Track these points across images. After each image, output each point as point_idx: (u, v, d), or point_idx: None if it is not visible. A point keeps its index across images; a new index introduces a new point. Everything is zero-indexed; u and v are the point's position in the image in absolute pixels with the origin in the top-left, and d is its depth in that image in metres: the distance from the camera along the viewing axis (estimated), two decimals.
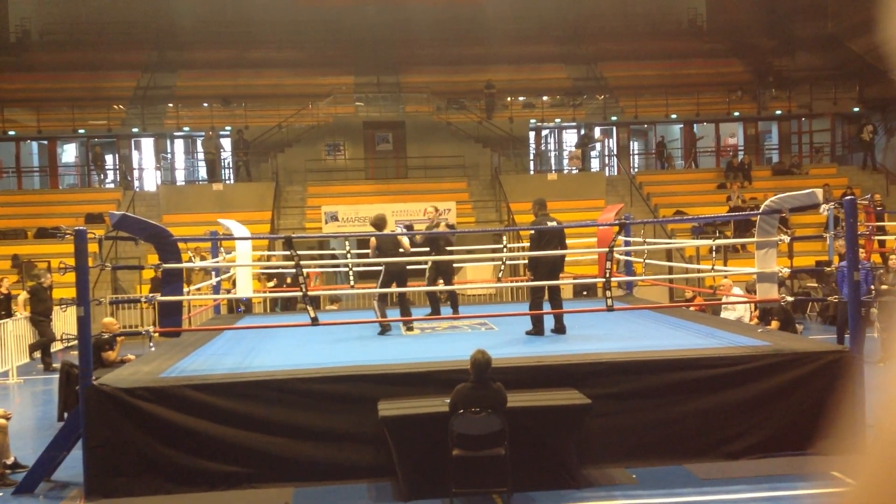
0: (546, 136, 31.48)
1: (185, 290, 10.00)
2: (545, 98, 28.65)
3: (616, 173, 27.77)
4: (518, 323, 10.09)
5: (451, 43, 30.87)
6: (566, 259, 10.72)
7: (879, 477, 0.85)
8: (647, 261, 12.67)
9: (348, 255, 13.00)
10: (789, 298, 9.93)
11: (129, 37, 30.81)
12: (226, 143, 27.14)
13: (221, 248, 12.98)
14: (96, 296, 9.46)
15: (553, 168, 29.45)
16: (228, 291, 13.20)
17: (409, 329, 10.63)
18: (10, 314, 15.36)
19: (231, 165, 27.00)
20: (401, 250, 10.46)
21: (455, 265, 16.15)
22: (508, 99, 28.30)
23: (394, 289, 10.39)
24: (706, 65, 30.44)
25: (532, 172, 27.36)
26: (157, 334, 8.58)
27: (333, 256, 19.81)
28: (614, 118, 28.49)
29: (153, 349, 9.78)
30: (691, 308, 13.22)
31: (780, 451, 7.77)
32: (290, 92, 27.61)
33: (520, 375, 7.71)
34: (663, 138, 29.73)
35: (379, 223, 10.59)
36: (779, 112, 28.44)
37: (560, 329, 9.80)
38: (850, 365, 7.86)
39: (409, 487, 7.09)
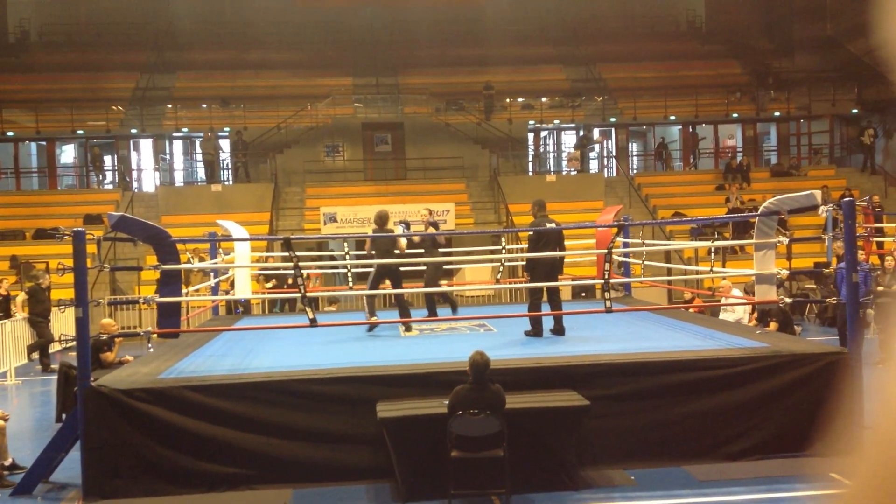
0: (545, 137, 31.49)
1: (184, 291, 9.99)
2: (544, 99, 28.65)
3: (615, 174, 27.79)
4: (517, 324, 10.09)
5: (450, 44, 30.88)
6: (565, 260, 10.72)
7: (877, 478, 0.85)
8: (645, 262, 12.67)
9: (347, 257, 13.01)
10: (788, 300, 9.94)
11: (127, 38, 30.80)
12: (224, 144, 27.14)
13: (220, 250, 12.98)
14: (95, 297, 9.46)
15: (552, 169, 29.46)
16: (227, 292, 13.19)
17: (408, 330, 10.63)
18: (8, 315, 15.35)
19: (230, 166, 26.99)
20: (396, 251, 10.47)
21: (454, 266, 16.19)
22: (507, 100, 28.30)
23: (384, 290, 10.41)
24: (705, 66, 30.46)
25: (531, 174, 27.37)
26: (155, 335, 8.58)
27: (332, 258, 19.80)
28: (613, 119, 28.50)
29: (151, 350, 9.77)
30: (690, 309, 13.24)
31: (779, 452, 7.77)
32: (289, 93, 27.61)
33: (518, 377, 7.71)
34: (663, 139, 29.75)
35: (379, 219, 10.61)
36: (777, 114, 28.46)
37: (559, 330, 9.79)
38: (848, 366, 7.87)
39: (408, 489, 7.09)
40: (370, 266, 10.90)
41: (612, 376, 7.88)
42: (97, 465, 7.39)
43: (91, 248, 9.09)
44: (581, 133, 28.25)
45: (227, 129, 26.97)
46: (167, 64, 29.92)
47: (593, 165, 29.52)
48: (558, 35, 32.10)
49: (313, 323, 8.41)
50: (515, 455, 6.94)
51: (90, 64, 28.71)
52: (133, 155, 28.89)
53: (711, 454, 7.80)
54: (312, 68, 29.62)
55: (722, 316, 12.96)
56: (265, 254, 17.73)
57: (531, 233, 9.90)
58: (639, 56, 30.38)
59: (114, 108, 27.23)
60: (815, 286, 18.24)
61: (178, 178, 29.64)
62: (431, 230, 11.86)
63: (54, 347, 15.83)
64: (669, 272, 14.87)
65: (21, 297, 15.83)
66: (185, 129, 27.92)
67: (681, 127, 30.03)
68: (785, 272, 9.49)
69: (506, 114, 27.74)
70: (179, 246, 9.33)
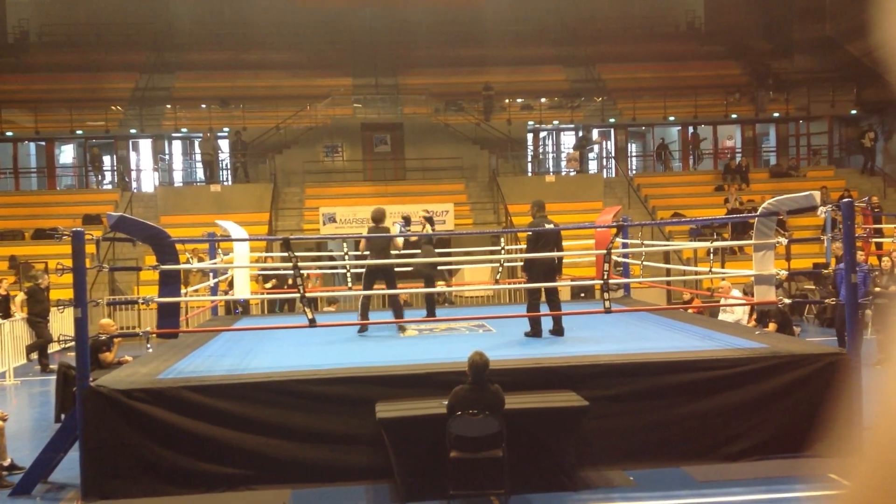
0: (544, 137, 31.50)
1: (183, 291, 9.99)
2: (543, 100, 28.66)
3: (614, 175, 27.79)
4: (516, 324, 10.09)
5: (450, 45, 30.89)
6: (563, 261, 10.72)
7: (876, 479, 0.85)
8: (644, 263, 12.68)
9: (346, 257, 13.00)
10: (787, 300, 9.94)
11: (127, 38, 30.79)
12: (224, 145, 27.13)
13: (219, 250, 12.98)
14: (94, 297, 9.46)
15: (551, 170, 29.45)
16: (225, 293, 13.19)
17: (403, 330, 10.62)
18: (8, 315, 15.34)
19: (229, 167, 26.98)
20: (392, 251, 10.50)
21: (453, 267, 16.19)
22: (506, 101, 28.30)
23: (379, 291, 10.42)
24: (704, 67, 30.47)
25: (530, 174, 27.37)
26: (154, 335, 8.58)
27: (331, 258, 19.80)
28: (612, 120, 28.51)
29: (150, 350, 9.77)
30: (689, 310, 13.24)
31: (778, 453, 7.77)
32: (288, 93, 27.60)
33: (517, 377, 7.71)
34: (663, 140, 29.75)
35: (376, 217, 10.62)
36: (776, 114, 28.48)
37: (558, 331, 9.80)
38: (847, 367, 7.87)
39: (407, 489, 7.09)
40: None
41: (612, 377, 7.89)
42: (96, 465, 7.38)
43: (90, 249, 9.08)
44: (580, 134, 28.26)
45: (226, 129, 26.97)
46: (166, 64, 29.91)
47: (592, 166, 29.53)
48: (558, 36, 32.12)
49: (312, 323, 8.41)
50: (514, 455, 6.94)
51: (89, 64, 28.70)
52: (132, 155, 28.88)
53: (710, 455, 7.80)
54: (312, 69, 29.62)
55: (721, 317, 12.97)
56: (264, 254, 17.72)
57: (530, 233, 9.91)
58: (638, 57, 30.39)
59: (113, 108, 27.22)
60: (814, 287, 18.25)
61: (178, 178, 29.63)
62: (427, 226, 11.86)
63: (53, 348, 15.83)
64: (668, 273, 14.87)
65: (20, 297, 15.82)
66: (184, 130, 27.91)
67: (680, 128, 30.05)
68: (784, 273, 9.50)
69: (505, 114, 27.75)
70: (178, 246, 9.32)
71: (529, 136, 29.09)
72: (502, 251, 13.72)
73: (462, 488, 6.93)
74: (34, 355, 15.24)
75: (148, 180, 29.09)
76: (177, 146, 29.90)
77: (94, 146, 27.62)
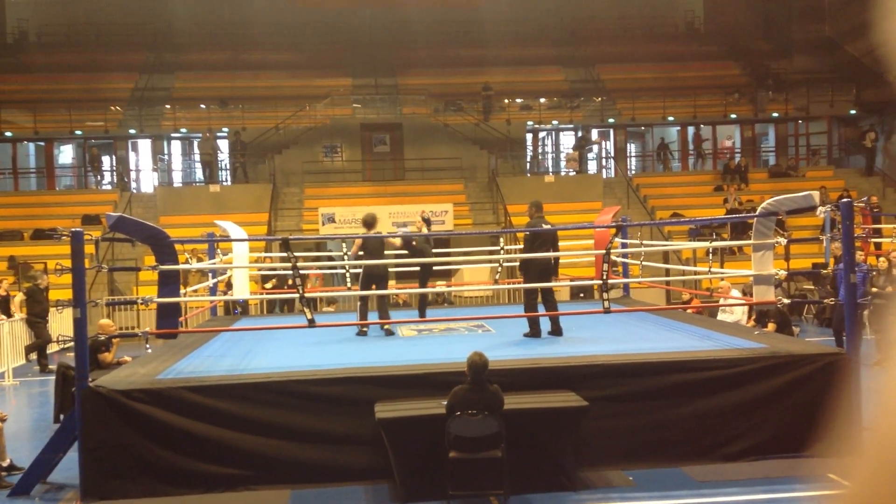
0: (543, 138, 31.50)
1: (182, 291, 9.99)
2: (542, 100, 28.66)
3: (613, 175, 27.80)
4: (515, 325, 10.09)
5: (449, 45, 30.89)
6: (562, 261, 10.73)
7: (875, 479, 0.85)
8: (644, 263, 12.68)
9: (345, 257, 13.01)
10: (786, 300, 9.94)
11: (126, 38, 30.78)
12: (223, 145, 27.13)
13: (218, 250, 12.97)
14: (93, 297, 9.45)
15: (550, 170, 29.47)
16: (224, 293, 13.19)
17: (389, 333, 10.59)
18: (9, 316, 15.34)
19: (228, 167, 26.98)
20: (389, 251, 10.53)
21: (453, 267, 16.20)
22: (506, 101, 28.30)
23: (378, 291, 10.42)
24: (703, 67, 30.48)
25: (529, 174, 27.37)
26: (153, 336, 8.57)
27: (331, 258, 19.80)
28: (611, 120, 28.51)
29: (150, 351, 9.76)
30: (688, 310, 13.24)
31: (777, 453, 7.77)
32: (288, 93, 27.60)
33: (517, 377, 7.71)
34: (663, 140, 29.75)
35: (368, 222, 10.64)
36: (776, 114, 28.49)
37: (556, 331, 9.80)
38: (846, 367, 7.88)
39: (406, 489, 7.09)
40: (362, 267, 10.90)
41: (611, 377, 7.89)
42: (95, 465, 7.38)
43: (89, 249, 9.07)
44: (579, 134, 28.27)
45: (225, 129, 26.96)
46: (166, 64, 29.91)
47: (592, 166, 29.53)
48: (557, 36, 32.12)
49: (311, 323, 8.41)
50: (514, 456, 6.94)
51: (88, 64, 28.70)
52: (131, 155, 28.88)
53: (710, 455, 7.80)
54: (311, 69, 29.62)
55: (720, 317, 12.97)
56: (263, 254, 17.71)
57: (527, 233, 9.92)
58: (637, 57, 30.40)
59: (112, 108, 27.22)
60: (813, 287, 18.26)
61: (177, 178, 29.62)
62: (424, 227, 11.88)
63: (52, 348, 15.82)
64: (668, 273, 14.88)
65: (19, 297, 15.82)
66: (183, 130, 27.91)
67: (679, 128, 30.06)
68: (783, 273, 9.50)
69: (504, 114, 27.75)
70: (178, 246, 9.32)
71: (529, 137, 29.09)
72: (501, 251, 13.72)
73: (461, 488, 6.93)
74: (33, 356, 15.23)
75: (147, 180, 29.10)
76: (176, 146, 29.89)
77: (94, 146, 27.62)
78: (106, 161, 28.56)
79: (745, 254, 17.86)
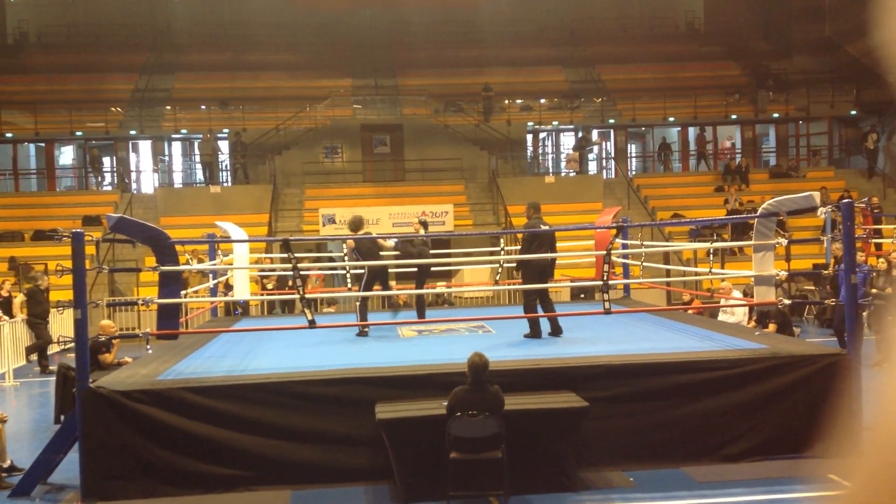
0: (543, 138, 31.51)
1: (183, 292, 9.99)
2: (543, 101, 28.67)
3: (613, 176, 27.80)
4: (515, 325, 10.09)
5: (449, 46, 30.89)
6: (562, 262, 10.74)
7: (875, 479, 0.85)
8: (644, 263, 12.68)
9: (345, 258, 13.01)
10: (787, 301, 9.94)
11: (126, 39, 30.80)
12: (223, 146, 27.13)
13: (219, 251, 12.97)
14: (93, 298, 9.45)
15: (550, 171, 29.47)
16: (224, 294, 13.19)
17: (362, 335, 10.58)
18: (10, 317, 15.34)
19: (228, 168, 26.99)
20: (381, 252, 10.56)
21: (453, 268, 16.19)
22: (506, 101, 28.31)
23: (375, 292, 10.45)
24: (703, 68, 30.49)
25: (529, 175, 27.37)
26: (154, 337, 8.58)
27: (331, 259, 19.80)
28: (612, 121, 28.52)
29: (150, 352, 9.76)
30: (689, 311, 13.24)
31: (778, 453, 7.77)
32: (288, 94, 27.61)
33: (517, 378, 7.71)
34: (664, 139, 29.73)
35: (356, 224, 10.68)
36: (776, 115, 28.48)
37: (556, 330, 9.81)
38: (847, 368, 7.87)
39: (407, 490, 7.09)
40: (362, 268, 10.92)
41: (611, 378, 7.88)
42: (96, 466, 7.38)
43: (90, 250, 9.10)
44: (580, 134, 28.26)
45: (225, 130, 26.97)
46: (166, 65, 29.92)
47: (592, 167, 29.53)
48: (557, 36, 32.13)
49: (312, 324, 8.41)
50: (514, 456, 6.94)
51: (89, 65, 28.71)
52: (132, 156, 28.88)
53: (710, 455, 7.80)
54: (311, 70, 29.63)
55: (721, 317, 12.96)
56: (264, 255, 17.72)
57: (525, 234, 9.93)
58: (637, 57, 30.40)
59: (112, 109, 27.22)
60: (813, 287, 18.26)
61: (177, 179, 29.63)
62: (421, 230, 11.89)
63: (53, 349, 15.82)
64: (668, 274, 14.87)
65: (19, 298, 15.82)
66: (183, 131, 27.92)
67: (680, 128, 30.06)
68: (784, 273, 9.50)
69: (504, 115, 27.75)
70: (178, 247, 9.32)
71: (529, 137, 29.09)
72: (502, 252, 13.72)
73: (462, 489, 6.93)
74: (34, 356, 15.23)
75: (147, 181, 29.10)
76: (176, 147, 29.90)
77: (94, 147, 27.62)
78: (106, 162, 28.58)
79: (745, 254, 17.86)
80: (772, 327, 11.29)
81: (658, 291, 16.98)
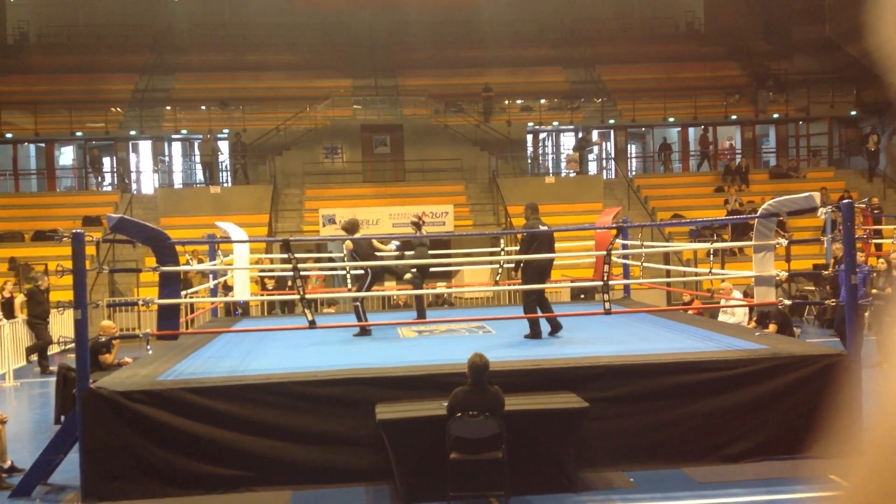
0: (543, 139, 31.51)
1: (183, 293, 9.99)
2: (543, 101, 28.67)
3: (614, 176, 27.80)
4: (515, 326, 10.09)
5: (449, 46, 30.89)
6: (562, 262, 10.75)
7: (873, 480, 0.85)
8: (644, 264, 12.68)
9: (346, 258, 13.01)
10: (787, 302, 9.94)
11: (126, 40, 30.81)
12: (223, 146, 27.14)
13: (219, 251, 12.97)
14: (94, 299, 9.46)
15: (551, 171, 29.47)
16: (225, 295, 13.18)
17: (361, 334, 10.60)
18: (12, 317, 15.34)
19: (229, 168, 27.00)
20: (377, 253, 10.58)
21: (453, 268, 16.20)
22: (506, 102, 28.32)
23: (374, 292, 10.46)
24: (703, 68, 30.49)
25: (529, 175, 27.38)
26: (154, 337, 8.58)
27: (331, 259, 19.80)
28: (612, 121, 28.52)
29: (150, 352, 9.76)
30: (689, 311, 13.23)
31: (778, 454, 7.77)
32: (288, 95, 27.62)
33: (517, 379, 7.71)
34: (665, 139, 29.73)
35: (350, 227, 10.69)
36: (776, 115, 28.48)
37: (556, 327, 9.83)
38: (847, 368, 7.87)
39: (407, 491, 7.09)
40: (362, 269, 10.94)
41: (611, 378, 7.88)
42: (96, 467, 7.38)
43: (90, 250, 9.10)
44: (580, 135, 28.26)
45: (226, 130, 26.98)
46: (166, 66, 29.93)
47: (592, 167, 29.53)
48: (557, 37, 32.13)
49: (312, 325, 8.41)
50: (514, 457, 6.94)
51: (89, 66, 28.72)
52: (132, 157, 28.89)
53: (711, 456, 7.80)
54: (311, 70, 29.64)
55: (721, 318, 12.96)
56: (264, 255, 17.72)
57: (524, 235, 9.95)
58: (637, 58, 30.40)
59: (113, 109, 27.23)
60: (813, 288, 18.25)
61: (177, 179, 29.64)
62: (417, 231, 11.88)
63: (53, 349, 15.82)
64: (668, 274, 14.87)
65: (20, 298, 15.82)
66: (183, 131, 27.92)
67: (680, 129, 30.06)
68: (784, 274, 9.50)
69: (505, 115, 27.76)
70: (178, 248, 9.33)
71: (529, 138, 29.10)
72: (502, 252, 13.72)
73: (462, 490, 6.93)
74: (34, 357, 15.23)
75: (148, 182, 29.10)
76: (176, 148, 29.91)
77: (94, 148, 27.62)
78: (106, 162, 28.58)
79: (745, 255, 17.85)
80: (772, 328, 11.29)
81: (658, 292, 16.98)
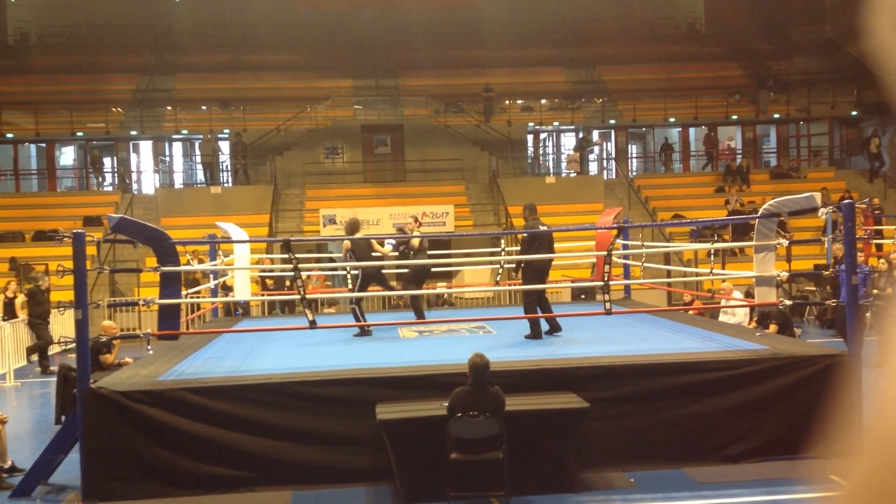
0: (544, 139, 31.50)
1: (184, 293, 9.99)
2: (543, 101, 28.66)
3: (614, 176, 27.79)
4: (516, 326, 10.09)
5: (449, 46, 30.89)
6: (563, 262, 10.75)
7: (871, 480, 0.85)
8: (645, 264, 12.68)
9: (344, 258, 13.02)
10: (788, 302, 9.94)
11: (127, 40, 30.81)
12: (224, 146, 27.14)
13: (219, 252, 12.97)
14: (94, 299, 9.46)
15: (551, 171, 29.47)
16: (225, 295, 13.19)
17: (362, 334, 10.60)
18: (14, 317, 15.34)
19: (229, 168, 27.00)
20: (374, 254, 10.59)
21: (454, 269, 16.20)
22: (507, 102, 28.31)
23: (372, 293, 10.47)
24: (704, 68, 30.48)
25: (530, 175, 27.38)
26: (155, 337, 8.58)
27: (331, 260, 19.81)
28: (612, 121, 28.51)
29: (151, 352, 9.77)
30: (689, 312, 13.23)
31: (779, 454, 7.77)
32: (289, 95, 27.62)
33: (518, 379, 7.72)
34: (666, 140, 29.72)
35: (351, 227, 10.70)
36: (777, 116, 28.47)
37: (555, 328, 9.84)
38: (848, 368, 7.87)
39: (408, 491, 7.09)
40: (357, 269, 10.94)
41: (612, 378, 7.88)
42: (96, 467, 7.38)
43: (91, 250, 9.11)
44: (580, 135, 28.26)
45: (226, 131, 26.98)
46: (167, 66, 29.93)
47: (593, 167, 29.53)
48: (557, 37, 32.12)
49: (312, 325, 8.41)
50: (515, 457, 6.94)
51: (90, 66, 28.72)
52: (133, 157, 28.89)
53: (711, 456, 7.80)
54: (312, 70, 29.64)
55: (722, 318, 12.95)
56: (265, 256, 17.73)
57: (525, 235, 9.96)
58: (638, 58, 30.39)
59: (113, 109, 27.24)
60: (814, 288, 18.25)
61: (178, 180, 29.64)
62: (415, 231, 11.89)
63: (53, 349, 15.83)
64: (669, 274, 14.87)
65: (20, 298, 15.82)
66: (184, 131, 27.93)
67: (680, 129, 30.05)
68: (785, 274, 9.50)
69: (505, 116, 27.76)
70: (179, 248, 9.33)
71: (530, 138, 29.09)
72: (502, 253, 13.72)
73: (462, 490, 6.93)
74: (34, 357, 15.24)
75: (148, 182, 29.11)
76: (177, 148, 29.91)
77: (95, 148, 27.63)
78: (107, 162, 28.59)
79: (746, 255, 17.85)
80: (773, 328, 11.29)
81: (659, 292, 16.98)
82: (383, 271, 11.17)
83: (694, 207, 24.00)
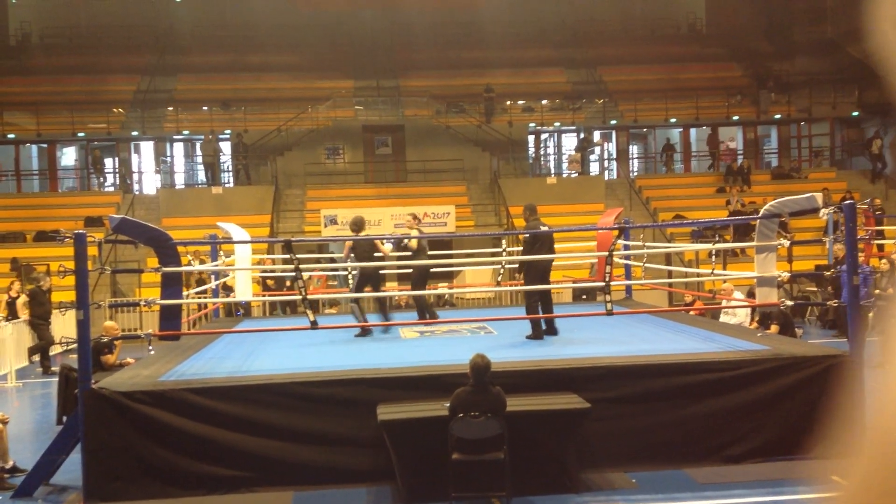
0: (545, 139, 31.50)
1: (185, 293, 10.00)
2: (544, 102, 28.67)
3: (615, 177, 27.79)
4: (517, 326, 10.09)
5: (450, 47, 30.90)
6: (565, 263, 10.76)
7: (872, 478, 0.86)
8: (646, 265, 12.67)
9: (348, 259, 13.02)
10: (789, 302, 9.94)
11: (128, 40, 30.83)
12: (225, 147, 27.16)
13: (221, 252, 12.98)
14: (96, 299, 9.46)
15: (552, 172, 29.47)
16: (226, 295, 13.19)
17: (364, 334, 10.58)
18: (16, 318, 15.35)
19: (230, 169, 27.02)
20: (376, 254, 10.59)
21: (454, 269, 16.20)
22: (508, 103, 28.32)
23: (370, 293, 10.47)
24: (705, 69, 30.47)
25: (531, 176, 27.39)
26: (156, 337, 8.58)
27: (332, 260, 19.81)
28: (613, 122, 28.51)
29: (152, 353, 9.77)
30: (691, 312, 13.23)
31: (780, 455, 7.77)
32: (290, 96, 27.63)
33: (519, 379, 7.72)
34: (668, 140, 29.73)
35: (357, 225, 10.70)
36: (778, 116, 28.47)
37: (552, 331, 9.84)
38: (849, 369, 7.87)
39: (409, 491, 7.09)
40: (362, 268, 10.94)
41: (613, 379, 7.88)
42: (98, 467, 7.39)
43: (92, 251, 9.11)
44: (581, 135, 28.26)
45: (227, 131, 26.99)
46: (168, 66, 29.95)
47: (594, 168, 29.53)
48: (558, 37, 32.12)
49: (314, 325, 8.41)
50: (516, 458, 6.93)
51: (91, 66, 28.74)
52: (134, 157, 28.91)
53: (712, 457, 7.80)
54: (313, 71, 29.65)
55: (723, 319, 12.95)
56: (266, 256, 17.73)
57: (527, 236, 9.97)
58: (639, 58, 30.39)
59: (115, 110, 27.25)
60: (815, 289, 18.24)
61: (179, 180, 29.67)
62: (413, 232, 11.88)
63: (55, 350, 15.83)
64: (670, 275, 14.86)
65: (22, 299, 15.83)
66: (185, 132, 27.94)
67: (682, 129, 30.04)
68: (786, 275, 9.50)
69: (506, 116, 27.76)
70: (180, 248, 9.33)
71: (531, 138, 29.10)
72: (504, 253, 13.73)
73: (463, 490, 6.93)
74: (36, 357, 15.25)
75: (149, 182, 29.12)
76: (178, 148, 29.93)
77: (96, 148, 27.65)
78: (108, 163, 28.61)
79: (747, 256, 17.84)
80: (774, 328, 11.29)
81: (660, 292, 16.98)
82: (383, 272, 11.19)
83: (695, 208, 24.00)
